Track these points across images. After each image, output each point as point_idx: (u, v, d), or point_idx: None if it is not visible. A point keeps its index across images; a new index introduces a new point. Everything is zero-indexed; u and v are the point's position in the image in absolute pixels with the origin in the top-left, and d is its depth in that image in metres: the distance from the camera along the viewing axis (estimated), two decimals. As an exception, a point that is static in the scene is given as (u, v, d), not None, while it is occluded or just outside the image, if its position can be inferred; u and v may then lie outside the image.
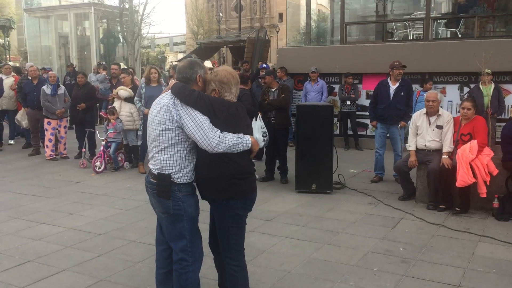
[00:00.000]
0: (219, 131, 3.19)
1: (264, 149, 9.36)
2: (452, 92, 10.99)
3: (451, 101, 11.06)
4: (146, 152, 8.96)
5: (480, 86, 9.67)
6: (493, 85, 9.62)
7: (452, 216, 6.15)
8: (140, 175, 8.50)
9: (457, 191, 6.26)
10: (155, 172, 3.34)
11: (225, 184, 3.27)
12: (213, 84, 3.37)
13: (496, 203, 6.13)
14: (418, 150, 6.76)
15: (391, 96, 7.80)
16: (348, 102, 11.27)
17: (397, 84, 7.83)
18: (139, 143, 8.73)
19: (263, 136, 7.70)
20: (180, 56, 44.57)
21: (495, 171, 6.07)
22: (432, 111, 6.66)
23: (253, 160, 3.49)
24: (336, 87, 11.95)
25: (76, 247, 5.07)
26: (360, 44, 12.14)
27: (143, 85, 8.67)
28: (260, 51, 16.32)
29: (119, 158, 9.06)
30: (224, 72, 3.38)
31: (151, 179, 3.37)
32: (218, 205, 3.41)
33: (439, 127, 6.61)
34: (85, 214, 6.19)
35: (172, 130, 3.27)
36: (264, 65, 9.95)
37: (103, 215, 6.17)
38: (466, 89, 10.88)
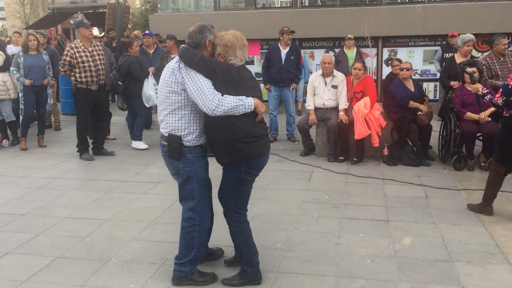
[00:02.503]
0: (220, 94, 3.22)
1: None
2: (319, 56, 11.92)
3: (319, 65, 12.02)
4: (29, 126, 8.32)
5: (344, 50, 10.73)
6: (355, 49, 10.73)
7: (351, 165, 6.92)
8: (28, 152, 7.84)
9: (354, 143, 7.04)
10: (166, 134, 3.39)
11: (228, 148, 3.31)
12: (218, 48, 3.36)
13: (385, 151, 7.05)
14: (316, 109, 7.38)
15: (283, 60, 8.28)
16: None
17: (288, 49, 8.33)
18: (21, 117, 7.97)
19: (156, 93, 7.67)
20: None
21: (384, 123, 6.95)
22: (328, 72, 7.30)
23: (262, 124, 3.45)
24: (212, 53, 12.13)
25: (4, 229, 4.63)
26: (234, 11, 12.42)
27: (20, 54, 7.87)
28: (121, 18, 15.59)
29: (-4, 135, 8.18)
30: (229, 36, 3.34)
31: (163, 142, 3.44)
32: (224, 168, 3.47)
33: (335, 86, 7.28)
34: (-9, 197, 5.61)
35: (178, 93, 3.31)
36: (147, 32, 9.65)
37: (13, 195, 5.64)
38: (331, 53, 11.92)
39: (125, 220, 4.86)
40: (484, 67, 6.87)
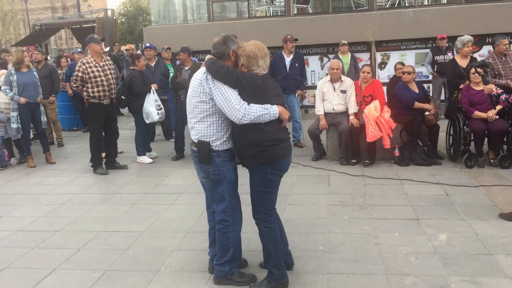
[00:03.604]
0: (246, 103, 3.38)
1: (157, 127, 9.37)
2: (314, 62, 12.16)
3: (314, 71, 12.25)
4: (31, 143, 8.27)
5: (339, 55, 10.93)
6: (349, 55, 10.94)
7: (365, 167, 7.08)
8: (38, 169, 7.78)
9: (366, 146, 7.21)
10: (196, 140, 3.56)
11: (254, 151, 3.47)
12: (242, 59, 3.50)
13: (397, 152, 7.23)
14: (326, 114, 7.53)
15: (288, 67, 8.43)
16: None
17: (291, 56, 8.49)
18: (19, 135, 7.88)
19: (157, 109, 7.72)
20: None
21: (394, 125, 7.13)
22: (336, 78, 7.46)
23: (285, 129, 3.63)
24: (207, 64, 12.22)
25: (42, 246, 4.62)
26: (228, 21, 12.54)
27: (12, 72, 7.77)
28: (110, 32, 15.58)
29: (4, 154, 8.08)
30: (251, 46, 3.49)
31: (193, 147, 3.63)
32: (250, 170, 3.61)
33: (343, 91, 7.45)
34: (18, 215, 5.58)
35: (206, 102, 3.48)
36: (148, 44, 9.68)
37: (39, 212, 5.62)
38: (325, 60, 12.15)
39: (161, 231, 4.90)
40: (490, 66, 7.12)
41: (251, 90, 3.42)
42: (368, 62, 11.64)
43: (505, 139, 6.78)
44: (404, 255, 4.12)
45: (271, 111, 3.42)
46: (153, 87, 7.95)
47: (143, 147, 8.08)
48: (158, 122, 8.28)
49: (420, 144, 7.14)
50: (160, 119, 7.91)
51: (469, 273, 3.76)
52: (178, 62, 8.64)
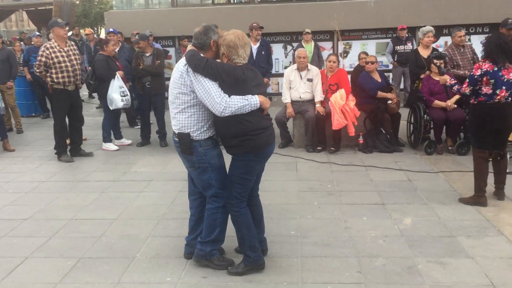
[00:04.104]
0: (227, 96, 3.41)
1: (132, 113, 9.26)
2: (278, 50, 12.25)
3: (278, 59, 12.34)
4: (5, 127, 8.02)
5: (303, 44, 11.07)
6: (313, 43, 11.11)
7: (330, 154, 7.27)
8: (8, 153, 7.64)
9: (331, 133, 7.39)
10: (176, 131, 3.59)
11: (239, 140, 3.51)
12: (222, 49, 3.52)
13: (361, 140, 7.46)
14: (293, 102, 7.65)
15: (254, 55, 8.48)
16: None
17: (258, 44, 8.54)
18: None
19: (121, 96, 7.64)
20: None
21: (358, 113, 7.34)
22: (303, 66, 7.58)
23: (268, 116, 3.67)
24: (171, 50, 12.12)
25: (11, 235, 4.55)
26: (192, 7, 12.43)
27: None
28: (67, 15, 15.14)
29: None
30: (231, 36, 3.50)
31: (175, 138, 3.66)
32: (234, 157, 3.66)
33: (310, 80, 7.58)
34: (-18, 203, 5.43)
35: (187, 94, 3.50)
36: (112, 30, 9.48)
37: (5, 201, 5.49)
38: (289, 48, 12.28)
39: (133, 219, 4.90)
40: (446, 58, 7.41)
41: (231, 82, 3.43)
42: (331, 51, 11.85)
43: (462, 127, 7.10)
44: (373, 238, 4.30)
45: (252, 101, 3.45)
46: (118, 73, 7.82)
47: (109, 133, 7.97)
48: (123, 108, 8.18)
49: (383, 132, 7.39)
50: (125, 106, 7.81)
51: (434, 254, 3.97)
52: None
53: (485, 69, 4.84)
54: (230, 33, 3.53)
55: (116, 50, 9.35)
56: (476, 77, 4.91)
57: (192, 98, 3.49)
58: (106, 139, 7.92)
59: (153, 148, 7.91)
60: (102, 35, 32.37)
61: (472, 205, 5.00)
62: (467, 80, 5.05)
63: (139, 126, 8.51)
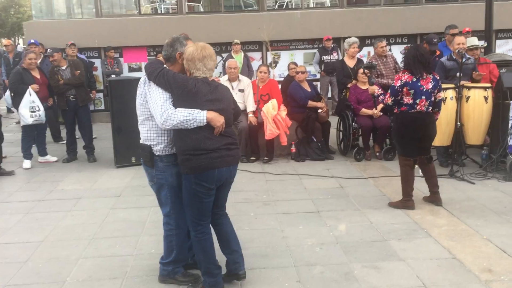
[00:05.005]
0: (172, 108, 3.27)
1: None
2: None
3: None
4: None
5: (232, 54, 11.14)
6: (242, 54, 11.21)
7: (264, 164, 7.32)
8: None
9: (264, 143, 7.44)
10: (140, 142, 3.57)
11: (180, 159, 3.38)
12: (183, 63, 3.40)
13: (293, 149, 7.58)
14: (225, 113, 7.62)
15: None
16: (113, 76, 11.25)
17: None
18: None
19: (30, 112, 7.20)
20: None
21: (290, 123, 7.47)
22: (234, 77, 7.60)
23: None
24: (96, 61, 11.74)
25: None
26: (117, 17, 12.12)
27: None
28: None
29: None
30: (190, 49, 3.36)
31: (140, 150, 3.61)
32: (182, 177, 3.46)
33: (241, 90, 7.61)
34: None
35: (144, 105, 3.43)
36: (33, 41, 9.02)
37: None
38: (219, 58, 12.26)
39: (61, 240, 4.65)
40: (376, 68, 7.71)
41: (180, 94, 3.29)
42: (261, 61, 11.99)
43: (387, 134, 7.40)
44: (310, 246, 4.36)
45: (197, 117, 3.24)
46: (32, 87, 7.33)
47: (25, 150, 7.50)
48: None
49: (314, 140, 7.54)
50: (35, 122, 7.29)
51: (369, 258, 4.08)
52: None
53: (404, 80, 5.06)
54: (190, 46, 3.40)
55: (38, 62, 8.90)
56: (396, 87, 5.12)
57: (148, 109, 3.39)
58: (25, 156, 7.47)
59: (80, 164, 7.59)
60: (21, 46, 30.75)
61: (401, 209, 5.20)
62: (389, 91, 5.26)
63: (65, 142, 8.12)
